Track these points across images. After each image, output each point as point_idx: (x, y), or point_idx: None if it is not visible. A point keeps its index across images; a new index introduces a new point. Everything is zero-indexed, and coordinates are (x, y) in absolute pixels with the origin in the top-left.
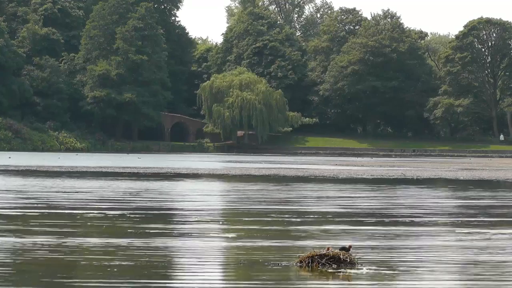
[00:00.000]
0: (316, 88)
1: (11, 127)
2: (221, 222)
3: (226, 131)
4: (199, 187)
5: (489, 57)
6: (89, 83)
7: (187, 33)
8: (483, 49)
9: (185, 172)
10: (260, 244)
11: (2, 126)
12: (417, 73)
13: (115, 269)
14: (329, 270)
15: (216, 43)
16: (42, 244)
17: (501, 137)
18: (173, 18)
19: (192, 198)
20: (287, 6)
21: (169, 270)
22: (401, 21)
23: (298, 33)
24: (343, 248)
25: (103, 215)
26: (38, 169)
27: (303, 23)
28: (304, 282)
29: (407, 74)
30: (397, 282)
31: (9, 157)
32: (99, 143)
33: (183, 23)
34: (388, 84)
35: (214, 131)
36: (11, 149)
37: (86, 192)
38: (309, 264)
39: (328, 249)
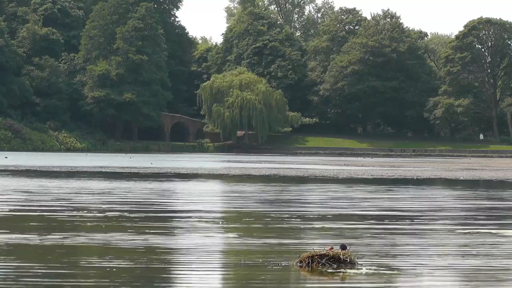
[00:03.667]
0: (316, 88)
1: (11, 127)
2: (221, 222)
3: (226, 131)
4: (199, 187)
5: (489, 57)
6: (89, 83)
7: (187, 33)
8: (483, 49)
9: (185, 172)
10: (260, 244)
11: (2, 126)
12: (417, 73)
13: (115, 269)
14: (329, 270)
15: (216, 43)
16: (42, 244)
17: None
18: (173, 18)
19: (192, 198)
20: (287, 6)
21: (168, 270)
22: (401, 21)
23: (298, 33)
24: (342, 247)
25: (103, 215)
26: (38, 169)
27: (303, 23)
28: (304, 282)
29: (407, 74)
30: (397, 282)
31: (6, 157)
32: (99, 143)
33: (183, 23)
34: (388, 84)
35: (214, 131)
36: (11, 149)
37: (86, 193)
38: (309, 264)
39: (329, 249)
